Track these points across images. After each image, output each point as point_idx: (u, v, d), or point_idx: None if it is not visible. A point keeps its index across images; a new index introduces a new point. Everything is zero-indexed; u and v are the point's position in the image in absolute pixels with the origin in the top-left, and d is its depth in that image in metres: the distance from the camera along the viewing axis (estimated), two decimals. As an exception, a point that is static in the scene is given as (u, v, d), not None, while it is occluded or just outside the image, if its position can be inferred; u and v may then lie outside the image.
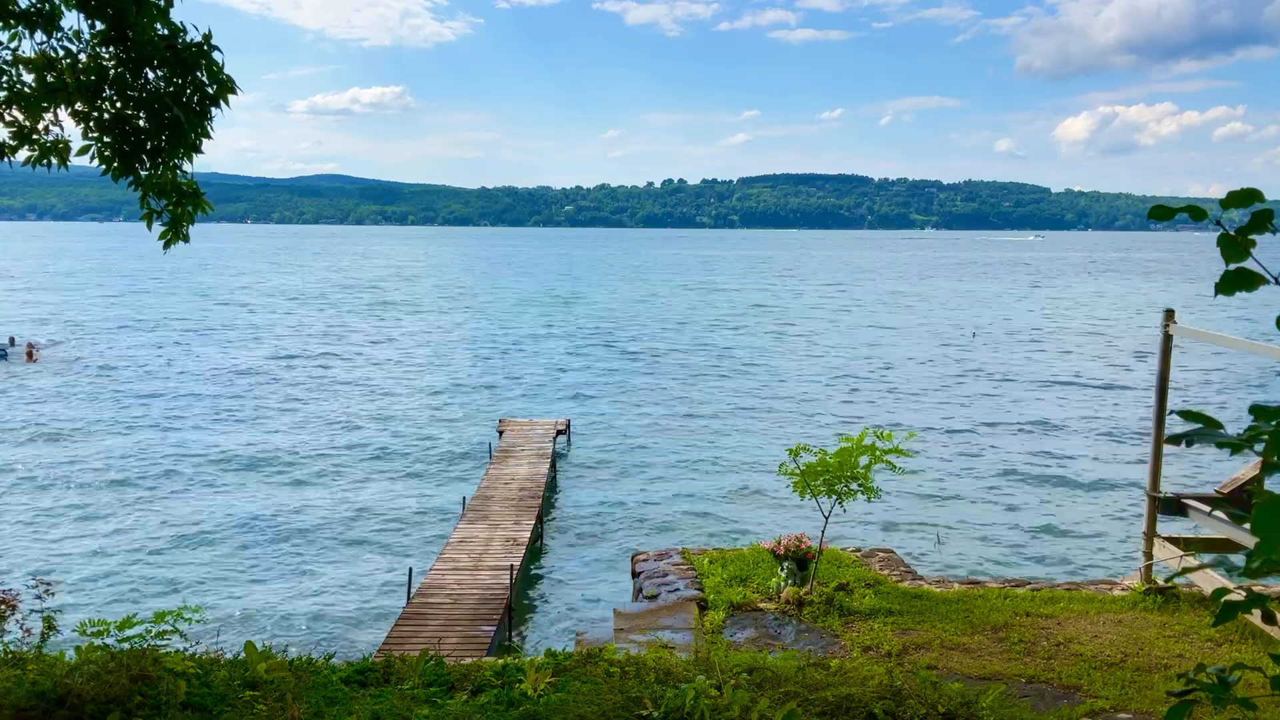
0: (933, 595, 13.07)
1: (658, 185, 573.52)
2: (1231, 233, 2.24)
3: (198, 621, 7.39)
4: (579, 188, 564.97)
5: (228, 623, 16.63)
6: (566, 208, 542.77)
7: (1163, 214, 2.52)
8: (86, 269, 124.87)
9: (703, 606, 12.96)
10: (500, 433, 29.12)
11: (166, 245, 6.01)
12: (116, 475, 26.06)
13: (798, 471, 12.79)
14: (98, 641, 7.01)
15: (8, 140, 5.65)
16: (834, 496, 12.70)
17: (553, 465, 25.94)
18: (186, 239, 6.11)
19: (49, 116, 5.59)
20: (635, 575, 15.17)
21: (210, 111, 5.61)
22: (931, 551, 20.66)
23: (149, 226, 5.92)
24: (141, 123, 5.51)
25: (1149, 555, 13.02)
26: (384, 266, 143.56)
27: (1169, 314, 12.87)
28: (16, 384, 39.32)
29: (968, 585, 13.94)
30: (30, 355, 45.62)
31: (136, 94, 5.44)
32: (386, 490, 25.16)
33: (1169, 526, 13.46)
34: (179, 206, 5.95)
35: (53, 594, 8.56)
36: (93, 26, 5.33)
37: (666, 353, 51.87)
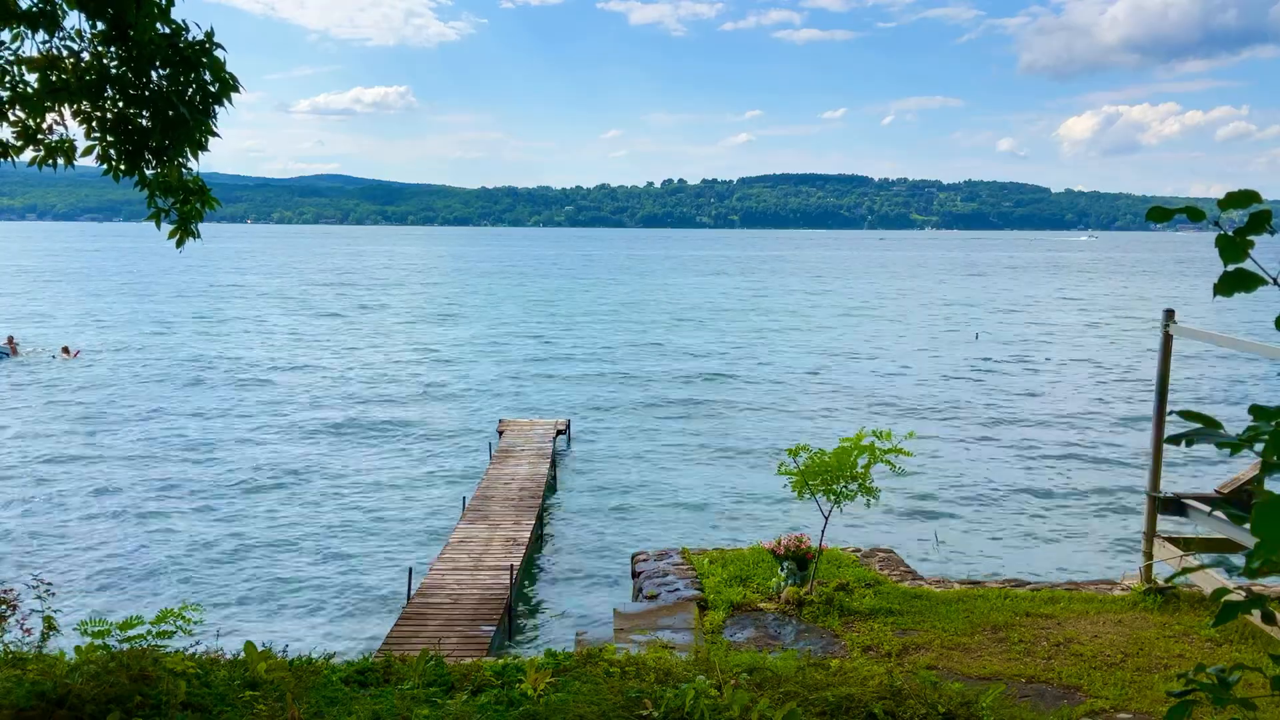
0: (933, 595, 13.08)
1: (658, 185, 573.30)
2: (1230, 233, 2.25)
3: (197, 622, 7.38)
4: (579, 188, 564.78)
5: (228, 622, 16.63)
6: (566, 208, 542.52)
7: (1160, 215, 2.53)
8: (90, 269, 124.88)
9: (703, 606, 12.96)
10: (500, 433, 29.12)
11: (179, 244, 5.99)
12: (117, 476, 26.06)
13: (797, 471, 12.79)
14: (98, 641, 7.01)
15: (12, 141, 5.65)
16: (833, 497, 12.70)
17: (553, 465, 25.94)
18: (197, 236, 6.10)
19: (53, 116, 5.59)
20: (635, 575, 15.17)
21: (213, 110, 5.60)
22: (931, 551, 20.65)
23: (158, 225, 5.91)
24: (144, 122, 5.51)
25: (1149, 555, 13.03)
26: (384, 268, 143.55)
27: (1169, 314, 12.87)
28: (49, 382, 39.35)
29: (968, 585, 13.95)
30: (67, 352, 46.21)
31: (139, 93, 5.44)
32: (386, 490, 25.15)
33: (1169, 526, 13.46)
34: (187, 204, 5.94)
35: (53, 594, 8.56)
36: (94, 26, 5.33)
37: (667, 352, 51.87)
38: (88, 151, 5.64)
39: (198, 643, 7.80)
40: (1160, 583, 12.82)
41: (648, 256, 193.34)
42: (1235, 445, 2.27)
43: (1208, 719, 4.12)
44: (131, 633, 7.03)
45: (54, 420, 32.58)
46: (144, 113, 5.47)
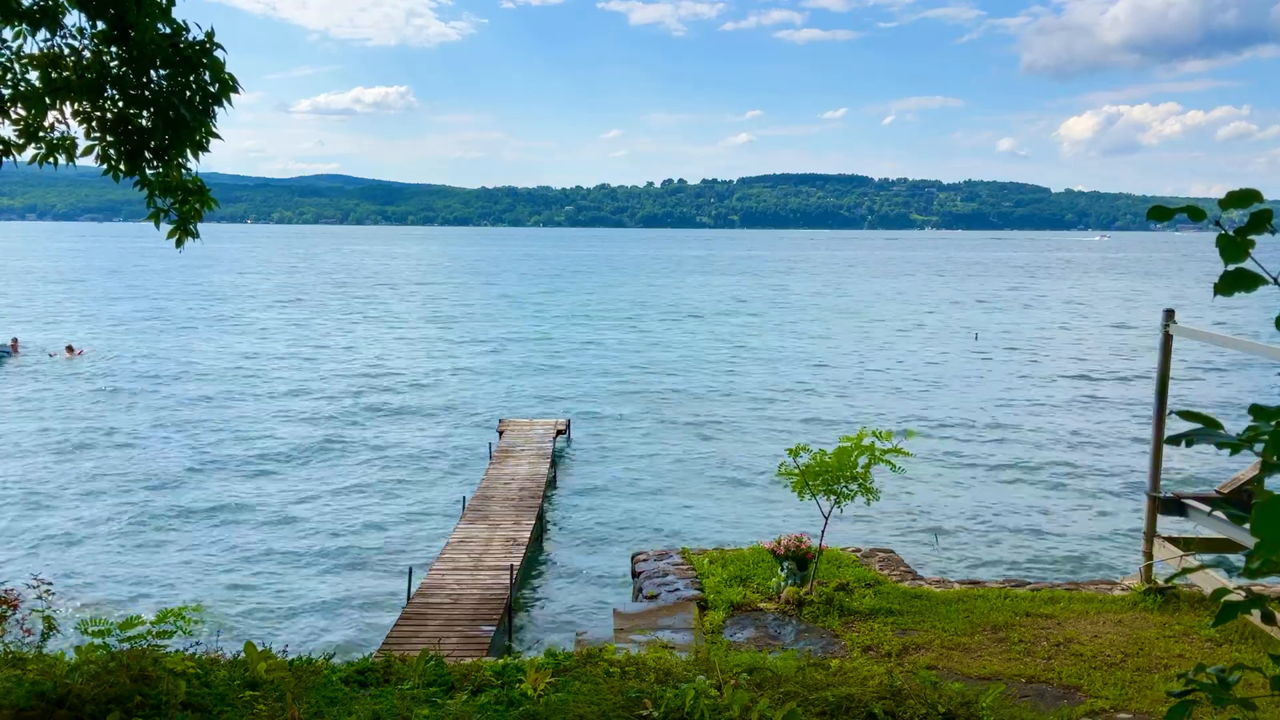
0: (933, 595, 13.08)
1: (658, 185, 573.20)
2: (1230, 233, 2.25)
3: (198, 622, 7.39)
4: (579, 187, 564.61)
5: (228, 623, 16.63)
6: (566, 208, 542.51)
7: (1161, 214, 2.53)
8: (91, 269, 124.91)
9: (703, 606, 12.96)
10: (500, 433, 29.12)
11: (178, 243, 6.00)
12: (119, 475, 26.06)
13: (797, 471, 12.79)
14: (98, 641, 7.01)
15: (14, 138, 5.65)
16: (833, 497, 12.71)
17: (553, 465, 25.94)
18: (196, 235, 6.10)
19: (54, 114, 5.60)
20: (635, 575, 15.17)
21: (213, 110, 5.61)
22: (931, 551, 20.66)
23: (157, 225, 5.92)
24: (145, 122, 5.51)
25: (1149, 555, 13.03)
26: (384, 269, 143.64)
27: (1169, 314, 12.87)
28: (52, 382, 39.35)
29: (968, 585, 13.96)
30: (70, 352, 46.28)
31: (140, 93, 5.44)
32: (386, 490, 25.16)
33: (1169, 526, 13.46)
34: (185, 204, 5.95)
35: (53, 594, 8.57)
36: (94, 25, 5.34)
37: (667, 352, 51.87)
38: (87, 151, 5.64)
39: (198, 643, 7.80)
40: (1160, 583, 12.83)
41: (648, 256, 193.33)
42: (1235, 445, 2.27)
43: (1208, 719, 4.12)
44: (131, 633, 7.03)
45: (55, 419, 32.58)
46: (144, 113, 5.48)
